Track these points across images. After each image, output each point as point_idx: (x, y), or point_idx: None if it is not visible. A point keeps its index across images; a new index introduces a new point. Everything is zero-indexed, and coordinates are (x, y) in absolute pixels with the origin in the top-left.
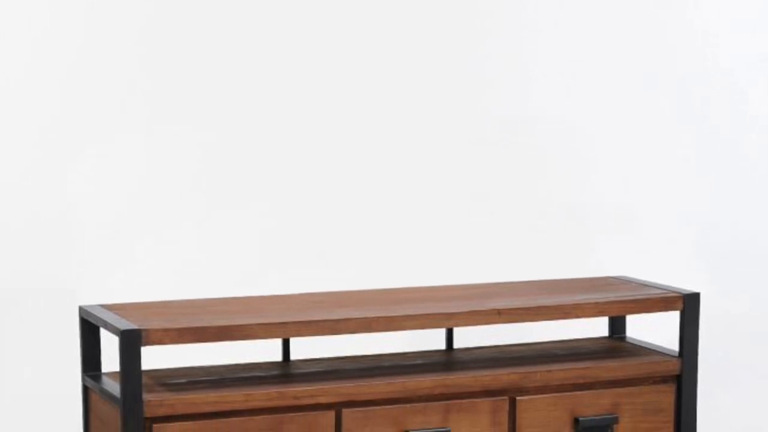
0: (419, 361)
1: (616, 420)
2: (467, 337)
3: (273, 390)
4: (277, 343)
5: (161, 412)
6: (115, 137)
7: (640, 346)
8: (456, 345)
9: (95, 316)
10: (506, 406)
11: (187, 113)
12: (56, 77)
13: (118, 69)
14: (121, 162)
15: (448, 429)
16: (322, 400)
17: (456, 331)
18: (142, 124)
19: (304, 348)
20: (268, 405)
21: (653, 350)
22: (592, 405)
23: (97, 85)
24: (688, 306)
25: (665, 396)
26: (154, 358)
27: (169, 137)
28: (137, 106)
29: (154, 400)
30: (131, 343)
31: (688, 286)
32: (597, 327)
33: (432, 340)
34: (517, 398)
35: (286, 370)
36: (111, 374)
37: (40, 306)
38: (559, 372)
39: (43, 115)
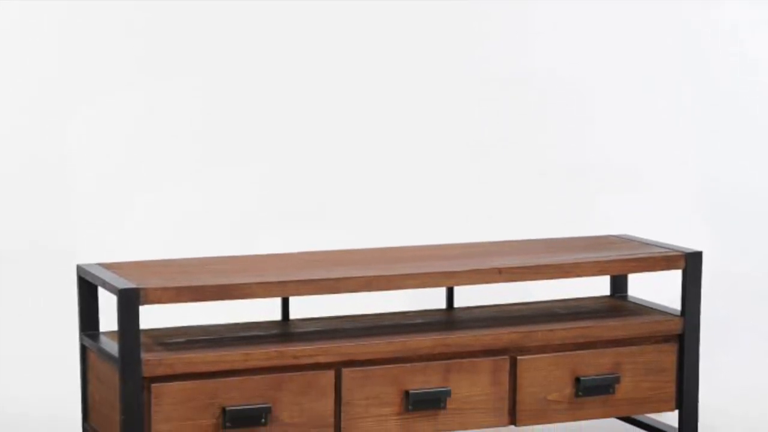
0: (419, 321)
1: (617, 379)
2: (468, 296)
3: (272, 349)
4: (277, 302)
5: (160, 371)
6: (111, 95)
7: (641, 305)
8: (456, 304)
9: (93, 275)
10: (507, 366)
11: (186, 70)
12: (51, 35)
13: (116, 24)
14: (117, 120)
15: (448, 388)
16: (322, 359)
17: (456, 290)
18: (137, 82)
19: (304, 307)
20: (267, 364)
21: (655, 309)
22: (594, 364)
23: (91, 42)
24: (691, 265)
25: (667, 355)
26: (152, 317)
27: (166, 94)
28: (132, 65)
29: (152, 360)
30: (129, 302)
31: (691, 245)
32: (598, 286)
33: (432, 299)
34: (518, 357)
35: (285, 330)
36: (109, 333)
37: (37, 265)
38: (560, 331)
39: (38, 74)
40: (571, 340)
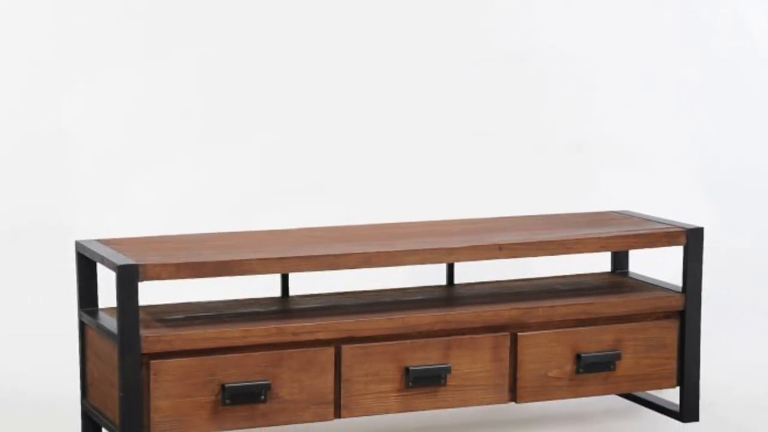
0: (419, 297)
1: (618, 356)
2: (468, 273)
3: (272, 326)
4: (276, 278)
5: (159, 348)
6: (110, 71)
7: (642, 282)
8: (457, 280)
9: (92, 251)
10: (507, 342)
11: (184, 45)
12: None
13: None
14: (116, 96)
15: (448, 365)
16: (322, 336)
17: (457, 266)
18: (135, 57)
19: (303, 283)
20: (266, 341)
21: (656, 286)
22: (595, 341)
23: (89, 18)
24: (692, 241)
25: (668, 332)
26: (151, 293)
27: (164, 71)
28: (130, 41)
29: (151, 336)
30: (128, 279)
31: (692, 221)
32: (599, 262)
33: (432, 275)
34: (519, 334)
35: (285, 306)
36: (108, 310)
37: (36, 241)
38: (561, 307)
39: (37, 51)
40: (572, 316)
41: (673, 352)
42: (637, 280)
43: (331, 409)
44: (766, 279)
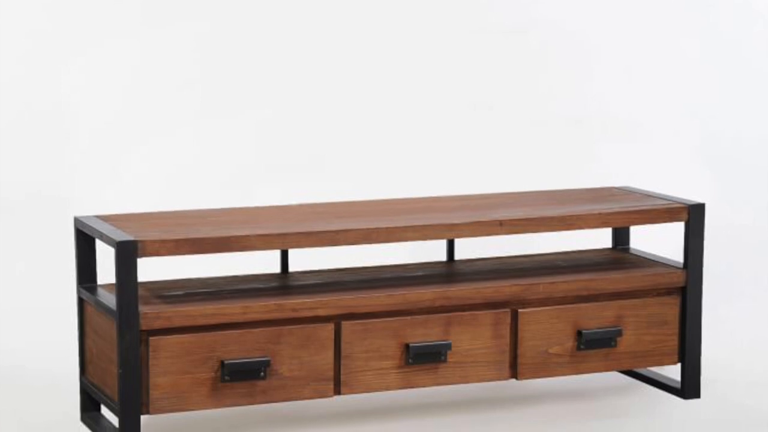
0: (420, 273)
1: (619, 332)
2: (468, 249)
3: (271, 302)
4: (276, 254)
5: (158, 324)
6: (108, 44)
7: (644, 258)
8: (457, 256)
9: (90, 227)
10: (508, 319)
11: (183, 18)
12: None
13: None
14: (114, 69)
15: (448, 342)
16: (321, 312)
17: (457, 242)
18: (134, 30)
19: (303, 259)
20: (266, 317)
21: (657, 262)
22: (596, 317)
23: None
24: (693, 217)
25: (670, 308)
26: (150, 269)
27: (163, 44)
28: (128, 13)
29: (150, 313)
30: (127, 255)
31: (693, 197)
32: (600, 238)
33: (433, 251)
34: (519, 310)
35: (284, 282)
36: (106, 286)
37: (34, 217)
38: (562, 284)
39: (35, 24)
40: (573, 292)
41: (675, 329)
42: (638, 256)
43: (331, 386)
44: (767, 254)
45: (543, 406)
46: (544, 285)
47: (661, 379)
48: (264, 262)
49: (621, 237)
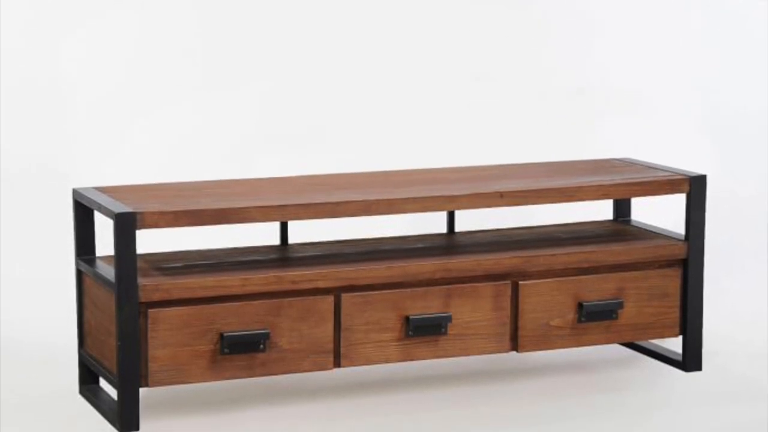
0: (420, 245)
1: (620, 305)
2: (469, 220)
3: (271, 274)
4: (275, 226)
5: (157, 296)
6: (108, 13)
7: (645, 230)
8: (457, 228)
9: (89, 198)
10: (508, 291)
11: None
12: None
13: None
14: (114, 42)
15: (449, 314)
16: (321, 284)
17: (457, 214)
18: (133, 3)
19: (303, 231)
20: (265, 289)
21: (659, 234)
22: (597, 289)
23: None
24: (695, 188)
25: (671, 280)
26: (149, 241)
27: (162, 15)
28: None
29: (149, 285)
30: (126, 226)
31: (695, 168)
32: (601, 210)
33: (433, 223)
34: (520, 282)
35: (284, 254)
36: (105, 258)
37: (32, 189)
38: (563, 256)
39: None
40: (574, 264)
41: (676, 301)
42: (640, 228)
43: (331, 359)
44: None
45: (544, 378)
46: (544, 257)
47: (662, 352)
48: (263, 234)
49: (622, 209)
